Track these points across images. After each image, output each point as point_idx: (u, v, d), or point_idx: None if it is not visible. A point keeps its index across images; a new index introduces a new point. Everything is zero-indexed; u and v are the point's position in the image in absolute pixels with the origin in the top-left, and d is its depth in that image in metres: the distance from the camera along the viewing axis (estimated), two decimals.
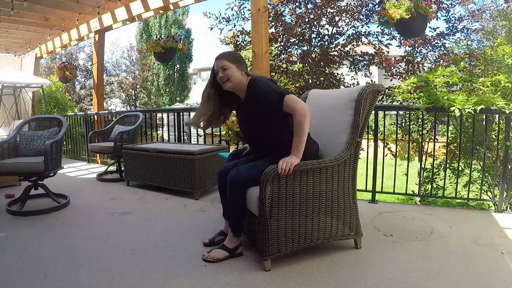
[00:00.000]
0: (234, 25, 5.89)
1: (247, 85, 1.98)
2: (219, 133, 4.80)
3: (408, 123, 3.95)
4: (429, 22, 3.26)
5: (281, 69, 6.00)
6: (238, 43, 6.14)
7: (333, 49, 5.61)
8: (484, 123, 3.30)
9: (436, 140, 3.91)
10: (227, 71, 1.96)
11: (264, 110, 1.94)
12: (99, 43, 6.45)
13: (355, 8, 5.32)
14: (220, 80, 2.00)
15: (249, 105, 2.00)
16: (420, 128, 3.98)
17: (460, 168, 3.51)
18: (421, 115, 3.52)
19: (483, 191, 3.33)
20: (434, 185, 4.10)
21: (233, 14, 5.73)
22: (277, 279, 1.81)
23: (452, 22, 5.03)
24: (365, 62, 5.70)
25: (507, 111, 2.74)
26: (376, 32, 5.45)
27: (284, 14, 5.58)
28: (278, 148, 1.96)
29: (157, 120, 7.99)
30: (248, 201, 2.00)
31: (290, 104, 1.87)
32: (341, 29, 5.63)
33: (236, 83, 1.99)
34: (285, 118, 1.94)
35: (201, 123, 2.11)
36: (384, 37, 5.34)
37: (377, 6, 4.81)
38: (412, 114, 3.71)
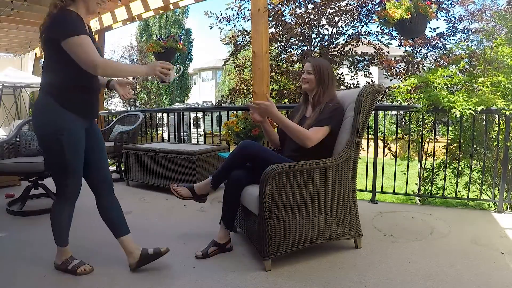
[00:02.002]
0: (235, 25, 5.91)
1: (329, 100, 2.13)
2: (219, 133, 4.81)
3: (408, 123, 3.95)
4: (429, 22, 3.26)
5: (281, 69, 6.01)
6: (238, 43, 6.15)
7: (333, 49, 5.61)
8: (484, 123, 3.31)
9: (436, 140, 3.91)
10: (309, 76, 2.16)
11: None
12: (99, 43, 6.45)
13: (355, 9, 5.33)
14: (301, 79, 2.23)
15: (318, 113, 2.11)
16: (420, 128, 3.99)
17: (460, 168, 3.51)
18: (421, 115, 3.52)
19: (483, 191, 3.33)
20: (434, 185, 4.10)
21: (233, 14, 5.75)
22: (277, 279, 1.81)
23: (452, 22, 5.03)
24: (365, 62, 5.71)
25: (507, 112, 2.74)
26: (376, 32, 5.47)
27: (284, 14, 5.60)
28: (304, 153, 2.03)
29: (157, 120, 7.97)
30: (248, 201, 2.01)
31: (317, 129, 2.02)
32: (341, 29, 5.64)
33: (310, 89, 2.18)
34: (326, 138, 2.04)
35: None
36: (384, 37, 5.34)
37: (377, 6, 4.81)
38: (412, 114, 3.71)
